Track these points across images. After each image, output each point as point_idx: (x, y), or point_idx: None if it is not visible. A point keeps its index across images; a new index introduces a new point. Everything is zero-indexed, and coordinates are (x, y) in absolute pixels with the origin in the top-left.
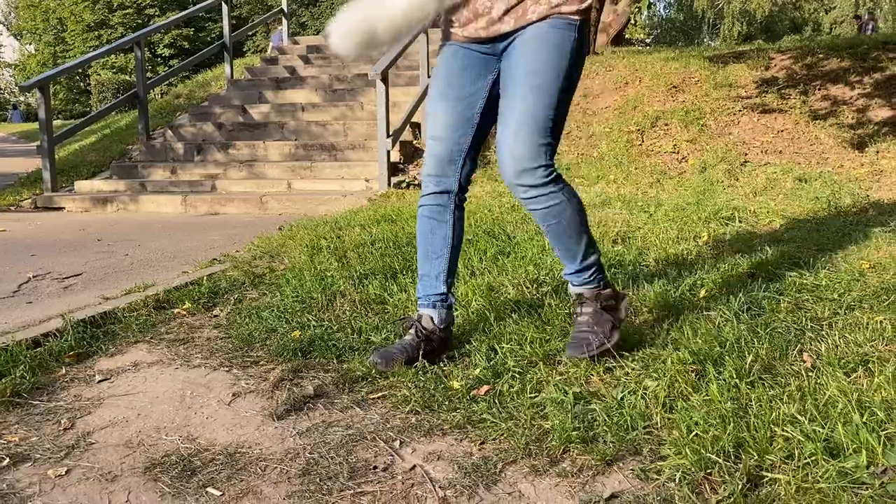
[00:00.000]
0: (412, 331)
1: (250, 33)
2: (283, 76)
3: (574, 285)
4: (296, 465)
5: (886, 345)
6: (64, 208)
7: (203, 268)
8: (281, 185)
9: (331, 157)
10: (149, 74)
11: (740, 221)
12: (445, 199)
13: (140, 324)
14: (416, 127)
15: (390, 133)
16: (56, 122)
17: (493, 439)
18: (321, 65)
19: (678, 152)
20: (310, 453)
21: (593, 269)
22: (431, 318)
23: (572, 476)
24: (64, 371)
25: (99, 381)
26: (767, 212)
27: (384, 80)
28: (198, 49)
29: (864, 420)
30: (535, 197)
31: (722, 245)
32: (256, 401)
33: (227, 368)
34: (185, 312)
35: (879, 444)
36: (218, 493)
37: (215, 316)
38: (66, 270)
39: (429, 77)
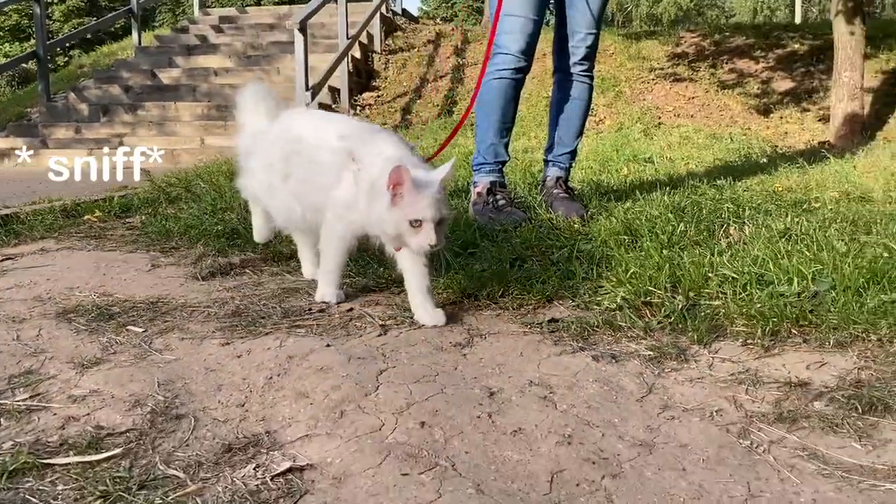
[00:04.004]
0: (503, 195)
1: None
2: (195, 44)
3: (560, 167)
4: (225, 310)
5: (809, 227)
6: None
7: (115, 191)
8: (194, 141)
9: None
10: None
11: (658, 163)
12: (521, 77)
13: (46, 225)
14: (336, 92)
15: (310, 87)
16: None
17: (434, 289)
18: (234, 34)
19: (595, 115)
20: (239, 302)
21: (575, 157)
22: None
23: (513, 310)
24: None
25: (1, 261)
26: (683, 158)
27: (303, 30)
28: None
29: (792, 262)
30: (590, 76)
31: (643, 178)
32: (178, 270)
33: (144, 252)
34: (95, 219)
35: (809, 273)
36: (140, 330)
37: (128, 220)
38: None
39: (348, 39)
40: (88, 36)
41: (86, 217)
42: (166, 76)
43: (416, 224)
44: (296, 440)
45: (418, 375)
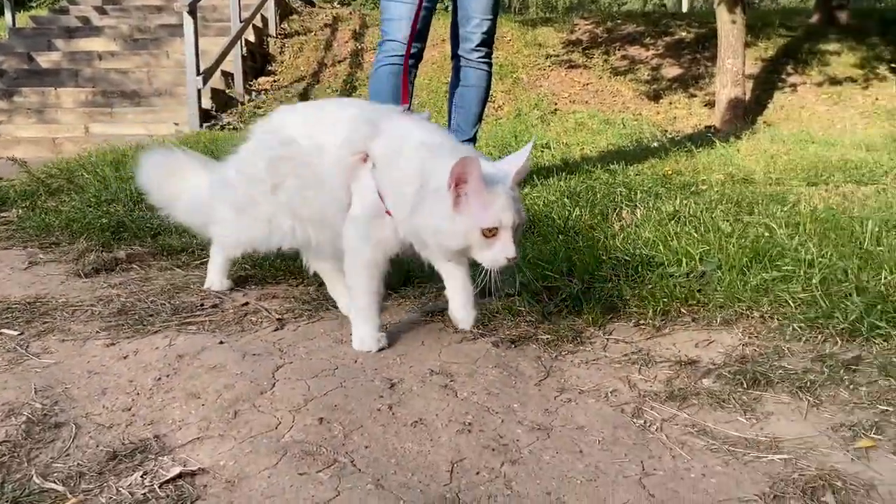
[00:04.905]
0: None
1: None
2: (76, 25)
3: None
4: (110, 308)
5: (697, 209)
6: None
7: None
8: (77, 129)
9: (133, 103)
10: None
11: (555, 149)
12: (412, 63)
13: None
14: (230, 77)
15: (201, 71)
16: None
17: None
18: (119, 16)
19: (494, 101)
20: (126, 299)
21: (474, 144)
22: None
23: (414, 298)
24: None
25: None
26: (578, 143)
27: (192, 13)
28: None
29: (681, 244)
30: (488, 62)
31: (540, 163)
32: (59, 267)
33: (21, 248)
34: None
35: (697, 253)
36: (15, 333)
37: (3, 215)
38: None
39: (241, 22)
40: None
41: None
42: (45, 60)
43: (489, 233)
44: (186, 444)
45: (317, 370)
